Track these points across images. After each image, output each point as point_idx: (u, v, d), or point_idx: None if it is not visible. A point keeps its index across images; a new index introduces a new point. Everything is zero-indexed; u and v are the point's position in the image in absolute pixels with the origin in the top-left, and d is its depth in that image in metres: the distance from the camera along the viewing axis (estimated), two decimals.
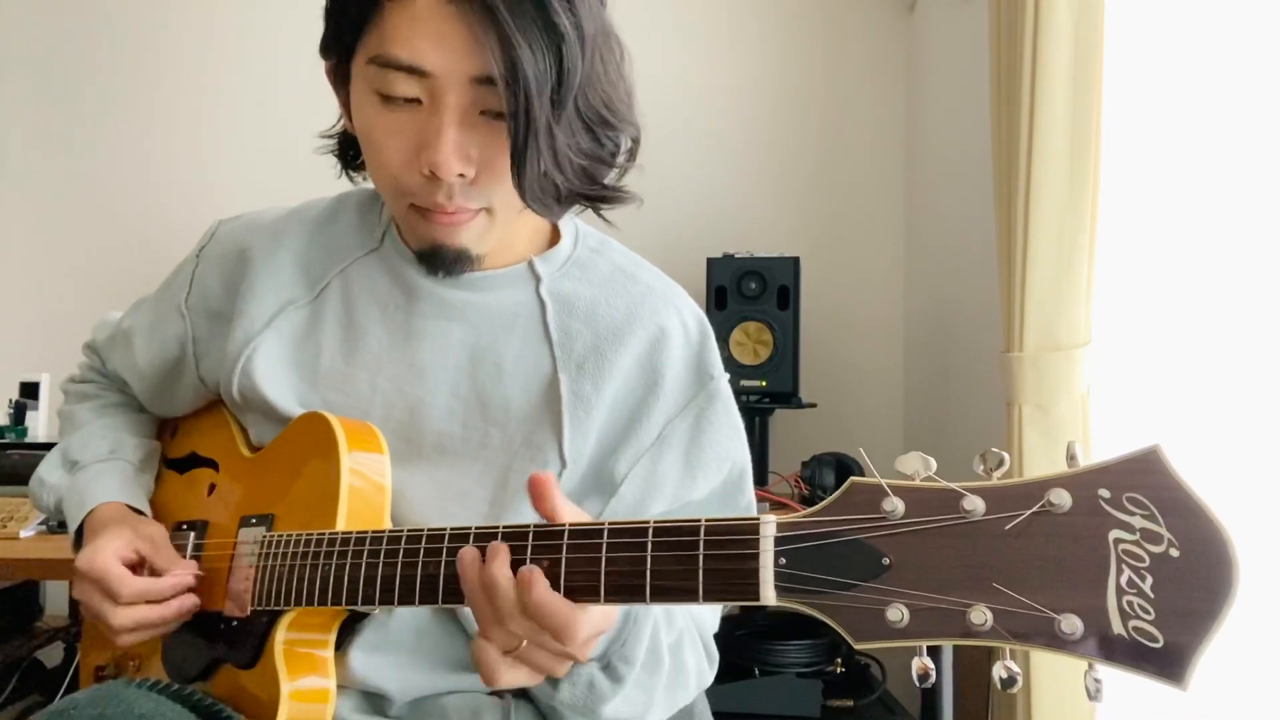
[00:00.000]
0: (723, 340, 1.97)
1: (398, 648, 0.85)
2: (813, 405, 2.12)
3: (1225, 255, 1.41)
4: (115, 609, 0.85)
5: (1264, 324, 1.37)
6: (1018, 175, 1.52)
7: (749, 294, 2.05)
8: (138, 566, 0.88)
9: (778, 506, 1.93)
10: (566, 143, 0.77)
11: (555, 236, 0.97)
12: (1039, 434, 1.53)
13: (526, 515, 0.84)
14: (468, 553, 0.68)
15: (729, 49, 2.40)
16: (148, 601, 0.85)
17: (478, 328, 0.90)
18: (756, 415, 2.04)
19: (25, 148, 2.44)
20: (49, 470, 1.02)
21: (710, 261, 2.09)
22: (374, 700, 0.86)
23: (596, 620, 0.67)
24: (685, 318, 0.93)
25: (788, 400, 2.04)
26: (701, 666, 0.91)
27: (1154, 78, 1.50)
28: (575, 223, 0.99)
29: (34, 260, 2.43)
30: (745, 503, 0.94)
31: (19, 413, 2.01)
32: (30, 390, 2.07)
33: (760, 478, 2.02)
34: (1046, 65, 1.47)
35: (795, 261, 2.07)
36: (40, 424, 2.05)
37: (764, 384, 2.02)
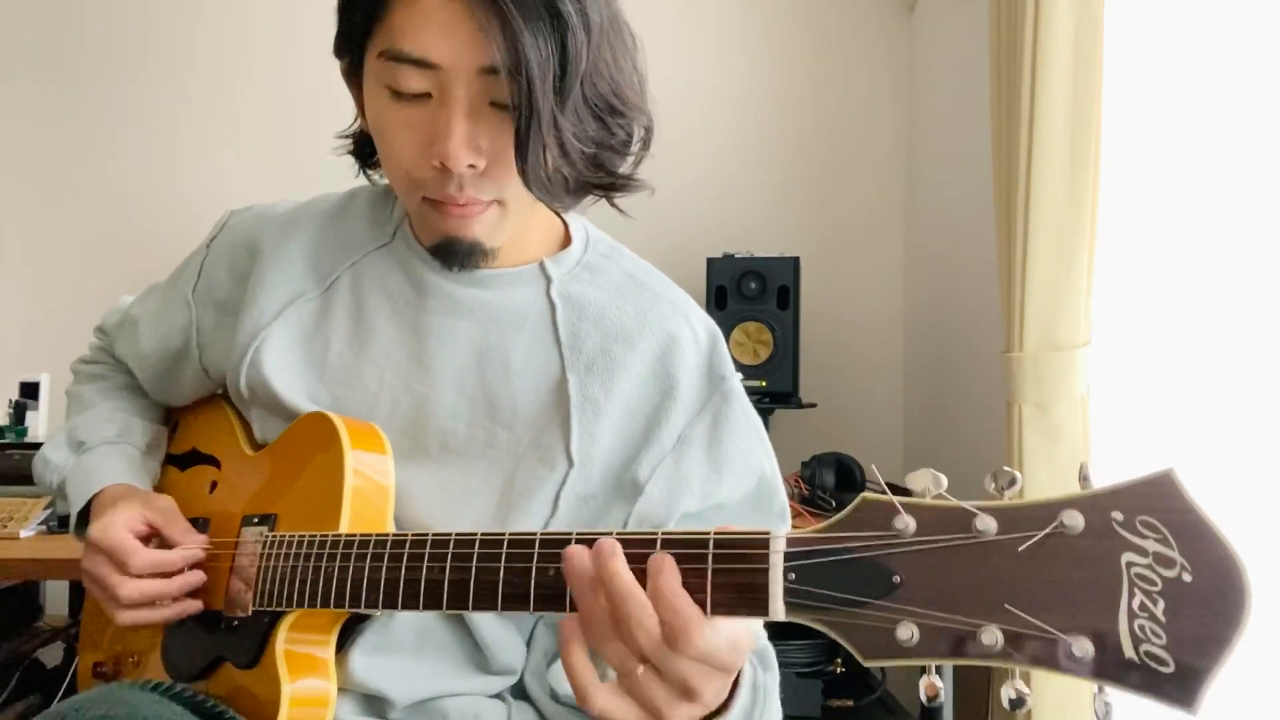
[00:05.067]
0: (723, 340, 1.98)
1: (399, 650, 0.85)
2: (812, 405, 2.12)
3: (1225, 255, 1.41)
4: (124, 580, 0.85)
5: (1264, 324, 1.37)
6: (1018, 175, 1.52)
7: (749, 294, 2.06)
8: (148, 539, 0.89)
9: None
10: (573, 131, 0.78)
11: (566, 239, 0.97)
12: (1039, 434, 1.53)
13: (534, 515, 0.85)
14: (576, 550, 0.63)
15: (729, 49, 2.40)
16: (156, 575, 0.86)
17: (486, 326, 0.90)
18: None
19: (26, 147, 2.44)
20: (54, 450, 1.02)
21: (710, 261, 2.09)
22: (374, 703, 0.86)
23: (721, 643, 0.61)
24: (695, 325, 0.93)
25: (788, 400, 2.04)
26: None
27: (1154, 78, 1.49)
28: (586, 226, 0.99)
29: (34, 260, 2.43)
30: (779, 508, 0.93)
31: (19, 413, 2.01)
32: (30, 390, 2.07)
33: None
34: (1046, 65, 1.47)
35: (795, 261, 2.07)
36: (40, 424, 2.05)
37: (764, 384, 2.02)
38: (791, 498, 2.01)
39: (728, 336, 2.02)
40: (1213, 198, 1.43)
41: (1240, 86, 1.40)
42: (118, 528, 0.87)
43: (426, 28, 0.75)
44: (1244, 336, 1.38)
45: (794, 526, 1.85)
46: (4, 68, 2.44)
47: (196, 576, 0.88)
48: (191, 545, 0.88)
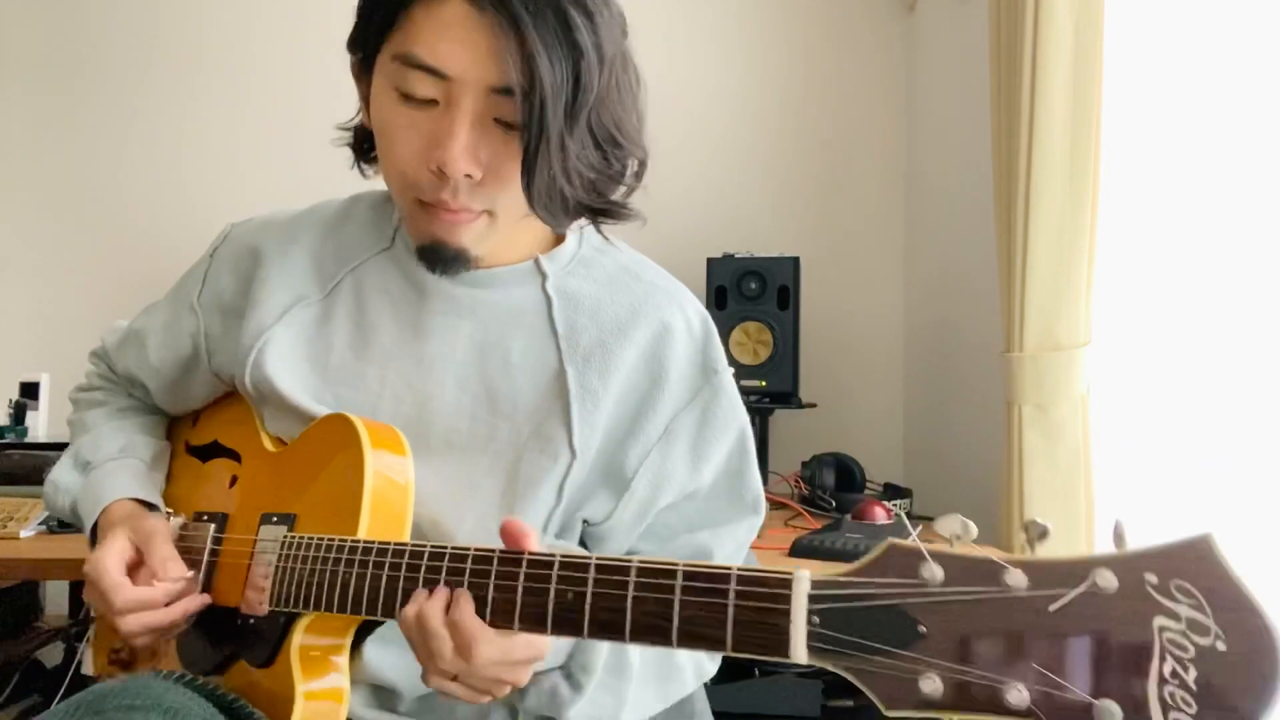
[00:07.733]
0: (723, 340, 1.98)
1: (408, 644, 0.86)
2: (813, 405, 2.12)
3: (1225, 255, 1.41)
4: (117, 618, 0.86)
5: (1264, 324, 1.37)
6: (1018, 175, 1.52)
7: (749, 294, 2.06)
8: (139, 566, 0.89)
9: (778, 507, 1.94)
10: (577, 155, 0.79)
11: (561, 235, 0.98)
12: (1039, 434, 1.53)
13: (540, 505, 0.87)
14: (421, 593, 0.73)
15: (729, 49, 2.39)
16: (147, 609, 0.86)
17: (486, 324, 0.92)
18: (756, 415, 2.05)
19: (26, 148, 2.43)
20: (62, 473, 1.03)
21: (710, 261, 2.09)
22: (384, 695, 0.88)
23: (516, 644, 0.71)
24: (689, 314, 0.95)
25: (788, 400, 2.04)
26: (699, 659, 0.93)
27: (1154, 78, 1.50)
28: (579, 223, 1.00)
29: (34, 261, 2.42)
30: (751, 499, 0.96)
31: (19, 413, 2.01)
32: (30, 390, 2.07)
33: (760, 478, 2.03)
34: (1046, 65, 1.47)
35: (795, 261, 2.07)
36: (40, 424, 2.05)
37: (764, 384, 2.03)
38: (791, 498, 2.01)
39: (727, 336, 2.03)
40: (1213, 197, 1.43)
41: (1240, 86, 1.40)
42: (106, 561, 0.87)
43: (444, 39, 0.76)
44: (1244, 336, 1.39)
45: (792, 526, 1.85)
46: (6, 69, 2.44)
47: (197, 601, 0.88)
48: (174, 576, 0.88)
